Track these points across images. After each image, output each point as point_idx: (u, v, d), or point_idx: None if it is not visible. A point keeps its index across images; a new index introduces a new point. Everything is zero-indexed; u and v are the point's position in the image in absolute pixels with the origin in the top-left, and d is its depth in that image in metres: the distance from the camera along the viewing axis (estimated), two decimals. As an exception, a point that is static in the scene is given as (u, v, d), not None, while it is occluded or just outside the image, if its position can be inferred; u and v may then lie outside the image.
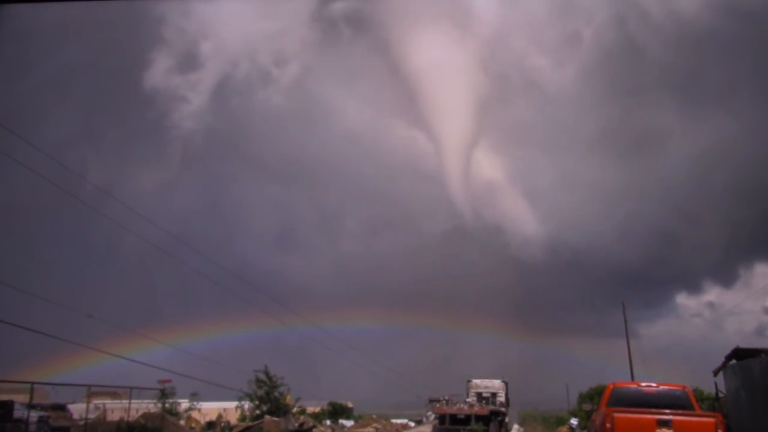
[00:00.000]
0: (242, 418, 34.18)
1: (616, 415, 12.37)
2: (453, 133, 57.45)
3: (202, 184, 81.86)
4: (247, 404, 34.90)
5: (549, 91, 75.76)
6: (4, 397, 23.12)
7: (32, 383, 22.44)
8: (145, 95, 68.31)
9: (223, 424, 32.38)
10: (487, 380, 34.09)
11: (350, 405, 59.21)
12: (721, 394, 23.28)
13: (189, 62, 75.41)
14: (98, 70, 68.21)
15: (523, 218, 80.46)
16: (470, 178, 66.04)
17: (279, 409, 33.46)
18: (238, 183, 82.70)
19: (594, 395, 32.60)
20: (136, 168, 77.89)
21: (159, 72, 68.48)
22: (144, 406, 28.69)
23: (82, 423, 25.75)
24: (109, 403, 32.60)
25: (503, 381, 34.21)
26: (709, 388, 26.20)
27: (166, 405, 30.08)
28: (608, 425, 12.24)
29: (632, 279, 75.87)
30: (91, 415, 27.19)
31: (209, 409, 37.42)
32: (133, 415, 26.78)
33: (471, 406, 31.33)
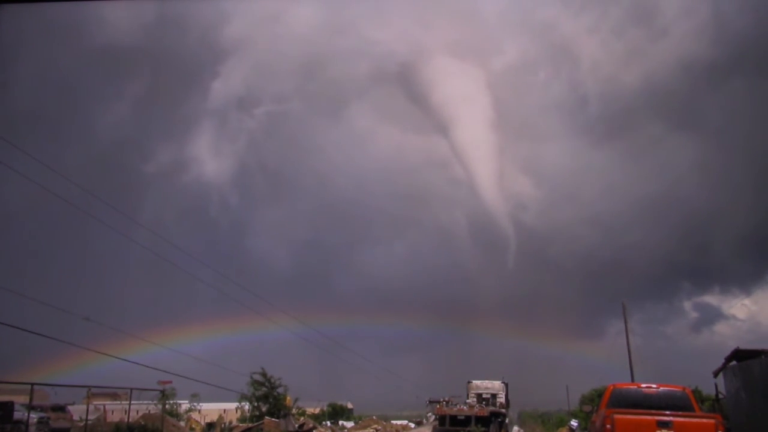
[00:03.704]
0: (242, 419, 34.17)
1: (616, 416, 12.35)
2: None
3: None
4: (247, 405, 34.88)
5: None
6: (5, 398, 23.06)
7: (32, 384, 22.33)
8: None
9: (223, 425, 32.34)
10: (487, 381, 34.00)
11: (350, 406, 59.28)
12: (721, 396, 23.23)
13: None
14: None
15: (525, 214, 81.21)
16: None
17: (279, 410, 33.46)
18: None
19: (595, 396, 32.53)
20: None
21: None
22: (144, 407, 28.69)
23: (81, 424, 25.73)
24: (109, 404, 32.59)
25: (503, 382, 34.14)
26: (709, 390, 26.17)
27: (167, 406, 30.05)
28: (608, 426, 12.22)
29: (636, 279, 75.72)
30: (91, 417, 27.14)
31: (209, 410, 37.43)
32: (133, 416, 26.77)
33: (471, 407, 31.27)
